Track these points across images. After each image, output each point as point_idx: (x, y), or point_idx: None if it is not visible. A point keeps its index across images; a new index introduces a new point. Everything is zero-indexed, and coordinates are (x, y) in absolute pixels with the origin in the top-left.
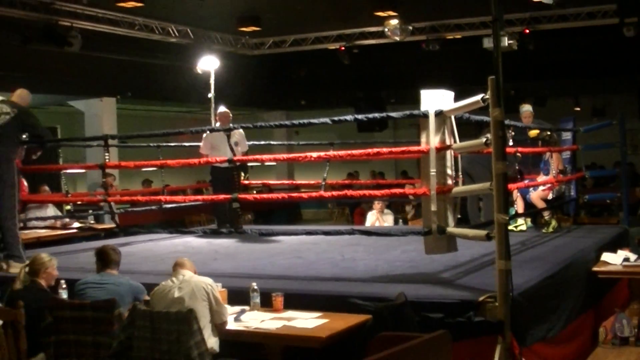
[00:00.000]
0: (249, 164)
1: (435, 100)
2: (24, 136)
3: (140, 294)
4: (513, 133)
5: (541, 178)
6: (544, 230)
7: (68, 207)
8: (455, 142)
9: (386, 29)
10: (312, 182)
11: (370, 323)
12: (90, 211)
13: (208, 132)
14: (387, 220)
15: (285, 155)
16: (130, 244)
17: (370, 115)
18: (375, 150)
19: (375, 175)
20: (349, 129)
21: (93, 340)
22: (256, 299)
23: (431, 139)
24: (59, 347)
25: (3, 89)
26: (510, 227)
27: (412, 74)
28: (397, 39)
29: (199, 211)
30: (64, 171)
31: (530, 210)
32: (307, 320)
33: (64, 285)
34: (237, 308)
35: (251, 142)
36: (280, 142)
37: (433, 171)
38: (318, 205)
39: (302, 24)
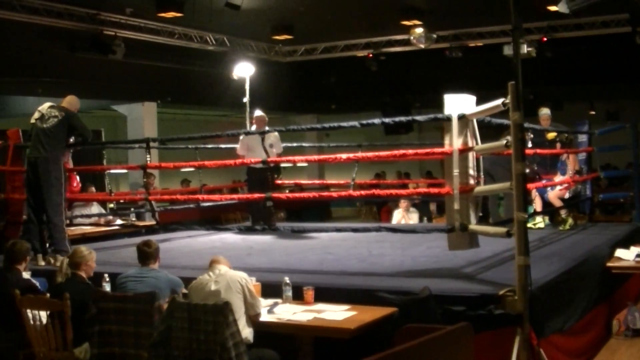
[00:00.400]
0: (282, 165)
1: (458, 104)
2: (71, 139)
3: (177, 287)
4: (532, 136)
5: (558, 178)
6: (560, 228)
7: (111, 205)
8: (477, 144)
9: (412, 37)
10: (341, 182)
11: (396, 315)
12: (132, 209)
13: (244, 134)
14: (413, 218)
15: (316, 157)
16: (169, 240)
17: (397, 119)
18: (402, 151)
19: (401, 176)
20: (376, 132)
21: (134, 331)
22: (288, 292)
23: (454, 141)
24: (102, 337)
25: (52, 94)
26: (528, 225)
27: (436, 80)
28: (422, 46)
29: (235, 209)
30: (108, 171)
31: (548, 208)
32: (336, 313)
33: (107, 279)
34: (270, 301)
35: (284, 144)
36: (311, 144)
37: (456, 172)
38: (347, 203)
39: (332, 32)
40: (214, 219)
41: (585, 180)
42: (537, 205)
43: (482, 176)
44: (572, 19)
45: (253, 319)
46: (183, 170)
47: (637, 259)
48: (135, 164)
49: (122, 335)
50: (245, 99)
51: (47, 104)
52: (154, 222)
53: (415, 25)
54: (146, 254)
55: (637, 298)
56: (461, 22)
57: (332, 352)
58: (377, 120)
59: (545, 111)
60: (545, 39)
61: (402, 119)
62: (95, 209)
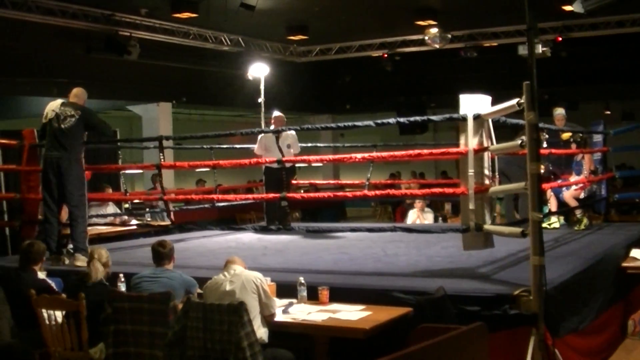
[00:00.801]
0: (297, 165)
1: (474, 104)
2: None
3: (192, 287)
4: (547, 136)
5: (573, 178)
6: (575, 228)
7: (127, 205)
8: (492, 144)
9: (426, 37)
10: (356, 182)
11: (411, 315)
12: (147, 209)
13: (263, 134)
14: (427, 218)
15: (331, 157)
16: (184, 240)
17: (412, 119)
18: (417, 151)
19: (416, 176)
20: (391, 132)
21: (149, 331)
22: (303, 292)
23: (470, 141)
24: (117, 337)
25: (67, 95)
26: (543, 225)
27: (451, 80)
28: (437, 46)
29: (250, 209)
30: (123, 171)
31: (563, 208)
32: (351, 313)
33: (122, 279)
34: (285, 301)
35: (299, 144)
36: (326, 144)
37: (471, 171)
38: (362, 203)
39: (347, 32)
40: (229, 219)
41: (600, 180)
42: (552, 205)
43: (497, 176)
44: (587, 18)
45: (268, 319)
46: (198, 170)
47: None
48: (149, 163)
49: (137, 335)
50: (260, 99)
51: (58, 102)
52: (169, 222)
53: (430, 25)
54: (161, 255)
55: None
56: (476, 22)
57: (347, 352)
58: (392, 120)
59: (559, 111)
60: (560, 38)
61: (418, 118)
62: (111, 208)
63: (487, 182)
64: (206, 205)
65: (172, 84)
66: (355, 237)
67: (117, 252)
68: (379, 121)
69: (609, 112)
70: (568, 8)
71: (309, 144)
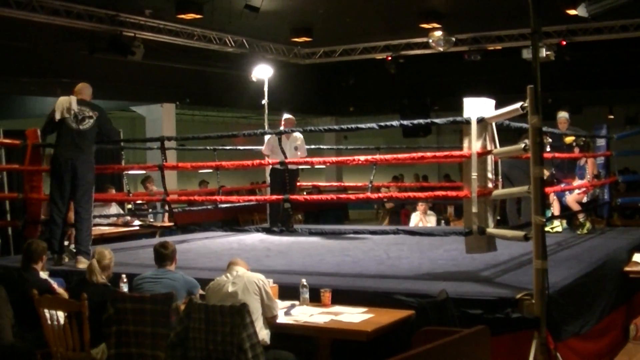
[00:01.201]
0: (300, 167)
1: (478, 107)
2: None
3: (194, 288)
4: (550, 140)
5: (576, 182)
6: (578, 232)
7: (129, 206)
8: (495, 147)
9: (431, 40)
10: (359, 184)
11: (414, 318)
12: (150, 210)
13: (272, 134)
14: (430, 221)
15: (334, 159)
16: (187, 242)
17: (416, 121)
18: (420, 154)
19: (419, 179)
20: (395, 135)
21: (151, 332)
22: (305, 294)
23: (473, 144)
24: (119, 337)
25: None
26: (546, 229)
27: (455, 83)
28: (441, 49)
29: (253, 211)
30: (126, 172)
31: (566, 212)
32: (353, 315)
33: (125, 279)
34: (288, 303)
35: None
36: (329, 147)
37: (474, 175)
38: (365, 206)
39: (351, 35)
40: (232, 220)
41: (603, 185)
42: (555, 209)
43: (500, 179)
44: (592, 22)
45: (270, 321)
46: (201, 171)
47: None
48: (152, 164)
49: (139, 336)
50: (264, 101)
51: (73, 99)
52: (172, 223)
53: (434, 29)
54: (163, 256)
55: None
56: (480, 26)
57: (349, 354)
58: (395, 123)
59: (562, 114)
60: (564, 42)
61: (421, 121)
62: (114, 209)
63: (490, 185)
64: (209, 207)
65: (176, 84)
66: (358, 239)
67: (119, 252)
68: (382, 124)
69: (612, 117)
70: (572, 12)
71: (312, 146)
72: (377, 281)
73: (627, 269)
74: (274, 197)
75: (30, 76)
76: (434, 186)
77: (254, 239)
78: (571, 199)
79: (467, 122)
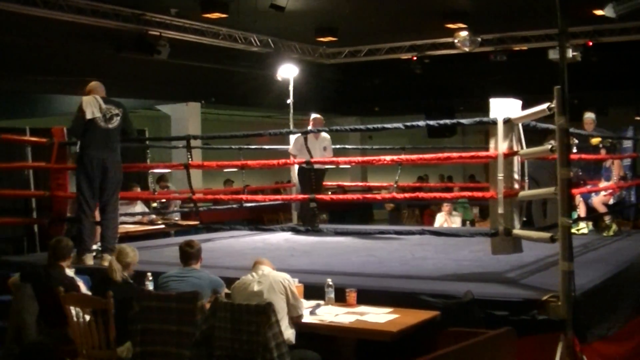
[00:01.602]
0: (327, 167)
1: (504, 108)
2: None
3: (219, 287)
4: (577, 141)
5: (602, 184)
6: (604, 234)
7: (154, 205)
8: (522, 148)
9: (456, 40)
10: (384, 184)
11: (439, 319)
12: (175, 208)
13: (300, 134)
14: (455, 222)
15: (360, 158)
16: (212, 240)
17: (442, 122)
18: (446, 154)
19: (444, 179)
20: (419, 135)
21: (177, 330)
22: (331, 294)
23: (499, 145)
24: (145, 335)
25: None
26: (572, 231)
27: (480, 83)
28: (467, 50)
29: (278, 210)
30: (152, 171)
31: (592, 214)
32: (378, 315)
33: (150, 278)
34: (313, 302)
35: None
36: (354, 147)
37: (501, 176)
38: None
39: (377, 35)
40: (257, 220)
41: (630, 186)
42: (581, 210)
43: (527, 180)
44: (618, 23)
45: (295, 320)
46: (226, 170)
47: None
48: (178, 163)
49: (165, 334)
50: (289, 101)
51: (99, 98)
52: (197, 222)
53: (460, 29)
54: (188, 254)
55: None
56: (506, 26)
57: (374, 354)
58: (421, 123)
59: (589, 115)
60: (590, 43)
61: (447, 121)
62: (139, 208)
63: (516, 186)
64: (234, 206)
65: (201, 84)
66: (383, 239)
67: (144, 251)
68: (408, 124)
69: (639, 118)
70: (599, 12)
71: (337, 146)
72: (402, 281)
73: None
74: (300, 196)
75: (56, 75)
76: (459, 187)
77: (279, 238)
78: (597, 200)
79: (494, 123)
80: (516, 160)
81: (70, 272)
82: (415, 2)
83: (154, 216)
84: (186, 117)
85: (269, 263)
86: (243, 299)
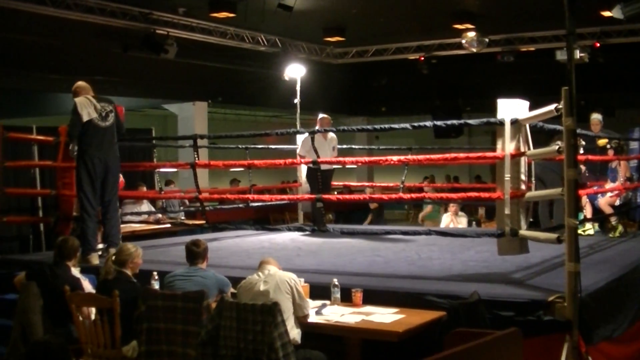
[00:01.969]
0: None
1: (511, 109)
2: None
3: (225, 286)
4: (584, 143)
5: (609, 185)
6: (610, 235)
7: (161, 204)
8: (529, 149)
9: (464, 41)
10: (390, 184)
11: (445, 319)
12: (182, 208)
13: (307, 135)
14: (461, 222)
15: (367, 158)
16: (218, 240)
17: (449, 122)
18: (453, 155)
19: (451, 179)
20: (426, 136)
21: (183, 329)
22: (337, 294)
23: (507, 146)
24: (150, 335)
25: (104, 93)
26: (578, 232)
27: (487, 84)
28: (474, 50)
29: (284, 210)
30: (158, 170)
31: (598, 215)
32: (384, 315)
33: (156, 277)
34: (319, 302)
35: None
36: (361, 147)
37: (507, 176)
38: (395, 206)
39: (384, 35)
40: (263, 219)
41: (636, 188)
42: (588, 211)
43: (533, 181)
44: (626, 24)
45: (301, 320)
46: (233, 170)
47: None
48: (184, 162)
49: (170, 334)
50: (296, 100)
51: (92, 98)
52: (203, 221)
53: (468, 29)
54: (195, 254)
55: None
56: (513, 27)
57: (379, 354)
58: (428, 123)
59: (596, 116)
60: (598, 44)
61: (455, 122)
62: (145, 207)
63: (523, 187)
64: (240, 205)
65: (209, 83)
66: (389, 239)
67: (150, 250)
68: (415, 124)
69: None
70: (607, 14)
71: (344, 146)
72: (408, 282)
73: None
74: (306, 196)
75: (64, 74)
76: (465, 187)
77: (285, 238)
78: (603, 202)
79: (501, 124)
80: (523, 161)
81: (76, 271)
82: (423, 2)
83: (160, 215)
84: (193, 116)
85: (275, 263)
86: (249, 298)
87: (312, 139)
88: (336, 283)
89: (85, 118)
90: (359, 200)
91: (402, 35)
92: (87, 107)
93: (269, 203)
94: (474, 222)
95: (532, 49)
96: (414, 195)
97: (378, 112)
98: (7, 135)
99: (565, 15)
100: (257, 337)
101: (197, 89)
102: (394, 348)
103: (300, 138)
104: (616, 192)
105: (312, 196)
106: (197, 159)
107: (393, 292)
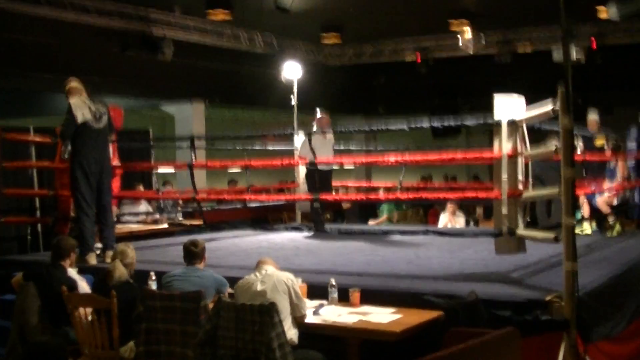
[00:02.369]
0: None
1: (508, 106)
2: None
3: (222, 286)
4: (581, 144)
5: (606, 184)
6: (608, 234)
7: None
8: (526, 149)
9: (460, 41)
10: (388, 184)
11: (443, 319)
12: (179, 208)
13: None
14: (459, 222)
15: (364, 159)
16: (216, 240)
17: (446, 122)
18: (450, 155)
19: (448, 179)
20: (424, 135)
21: (181, 329)
22: (334, 294)
23: (504, 146)
24: (148, 335)
25: (101, 93)
26: (576, 231)
27: (485, 84)
28: (471, 51)
29: (282, 210)
30: (156, 170)
31: (596, 214)
32: (382, 315)
33: (154, 277)
34: (316, 302)
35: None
36: (358, 147)
37: (505, 176)
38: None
39: (382, 35)
40: (261, 219)
41: (634, 187)
42: (585, 211)
43: (531, 181)
44: (623, 24)
45: (299, 320)
46: (230, 170)
47: None
48: (182, 162)
49: (169, 334)
50: (293, 101)
51: (86, 99)
52: (201, 222)
53: (465, 30)
54: (192, 254)
55: None
56: (510, 27)
57: (377, 354)
58: (425, 123)
59: (593, 116)
60: (595, 44)
61: (452, 123)
62: (143, 207)
63: (520, 186)
64: (238, 205)
65: (206, 83)
66: (387, 239)
67: (148, 250)
68: (412, 124)
69: None
70: (603, 14)
71: (342, 147)
72: (406, 281)
73: None
74: (304, 196)
75: (60, 74)
76: (463, 187)
77: (283, 238)
78: (601, 201)
79: (498, 124)
80: (520, 160)
81: (72, 271)
82: (420, 2)
83: (157, 216)
84: (191, 116)
85: (273, 262)
86: (246, 298)
87: (310, 139)
88: (334, 283)
89: (80, 119)
90: (356, 200)
91: (399, 35)
92: (82, 108)
93: (267, 203)
94: (471, 222)
95: (529, 48)
96: (411, 195)
97: (376, 112)
98: (4, 136)
99: (561, 15)
100: (255, 338)
101: (195, 89)
102: (392, 348)
103: (299, 138)
104: (614, 191)
105: (310, 196)
106: (194, 159)
107: (391, 291)
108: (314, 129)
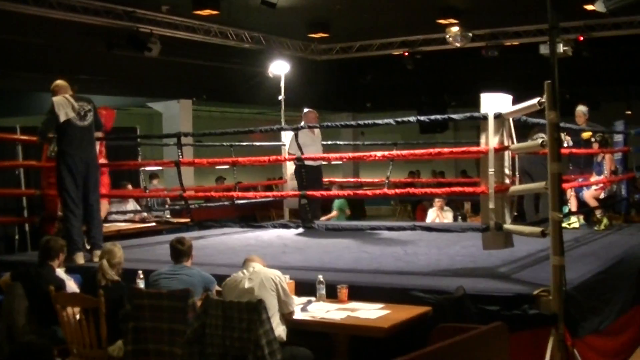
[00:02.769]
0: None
1: (495, 103)
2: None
3: (210, 284)
4: (569, 138)
5: (594, 178)
6: (596, 228)
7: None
8: (513, 143)
9: (448, 36)
10: (376, 180)
11: (431, 314)
12: (167, 206)
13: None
14: (447, 217)
15: (351, 154)
16: (204, 238)
17: (433, 117)
18: (437, 150)
19: (436, 174)
20: (412, 131)
21: (169, 328)
22: (322, 291)
23: (490, 140)
24: (137, 334)
25: (88, 92)
26: (563, 225)
27: (472, 79)
28: (458, 45)
29: (270, 207)
30: (143, 168)
31: (583, 208)
32: (370, 311)
33: (142, 276)
34: (304, 299)
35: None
36: (346, 142)
37: (491, 171)
38: (381, 202)
39: (369, 31)
40: (249, 217)
41: (621, 181)
42: (573, 205)
43: (518, 175)
44: (610, 18)
45: (286, 317)
46: (218, 167)
47: None
48: (169, 160)
49: (157, 332)
50: (281, 97)
51: (70, 97)
52: (188, 219)
53: (452, 24)
54: (179, 252)
55: None
56: (498, 21)
57: (366, 350)
58: (412, 118)
59: (581, 109)
60: (582, 38)
61: (438, 117)
62: (131, 205)
63: (507, 181)
64: (226, 203)
65: (193, 81)
66: (375, 235)
67: (136, 249)
68: (399, 119)
69: (630, 112)
70: (590, 7)
71: (329, 142)
72: (394, 277)
73: None
74: (291, 193)
75: (47, 73)
76: (450, 182)
77: (271, 235)
78: (589, 195)
79: (484, 118)
80: (507, 155)
81: (60, 271)
82: None
83: (145, 214)
84: (178, 114)
85: (260, 260)
86: (234, 296)
87: (297, 136)
88: (321, 279)
89: (62, 118)
90: (344, 196)
91: (386, 31)
92: (64, 106)
93: (255, 200)
94: (459, 217)
95: (517, 43)
96: (398, 191)
97: (363, 108)
98: None
99: (548, 9)
100: (243, 335)
101: (182, 86)
102: (380, 344)
103: (287, 135)
104: (601, 185)
105: (297, 193)
106: (181, 156)
107: (379, 287)
108: (302, 124)
